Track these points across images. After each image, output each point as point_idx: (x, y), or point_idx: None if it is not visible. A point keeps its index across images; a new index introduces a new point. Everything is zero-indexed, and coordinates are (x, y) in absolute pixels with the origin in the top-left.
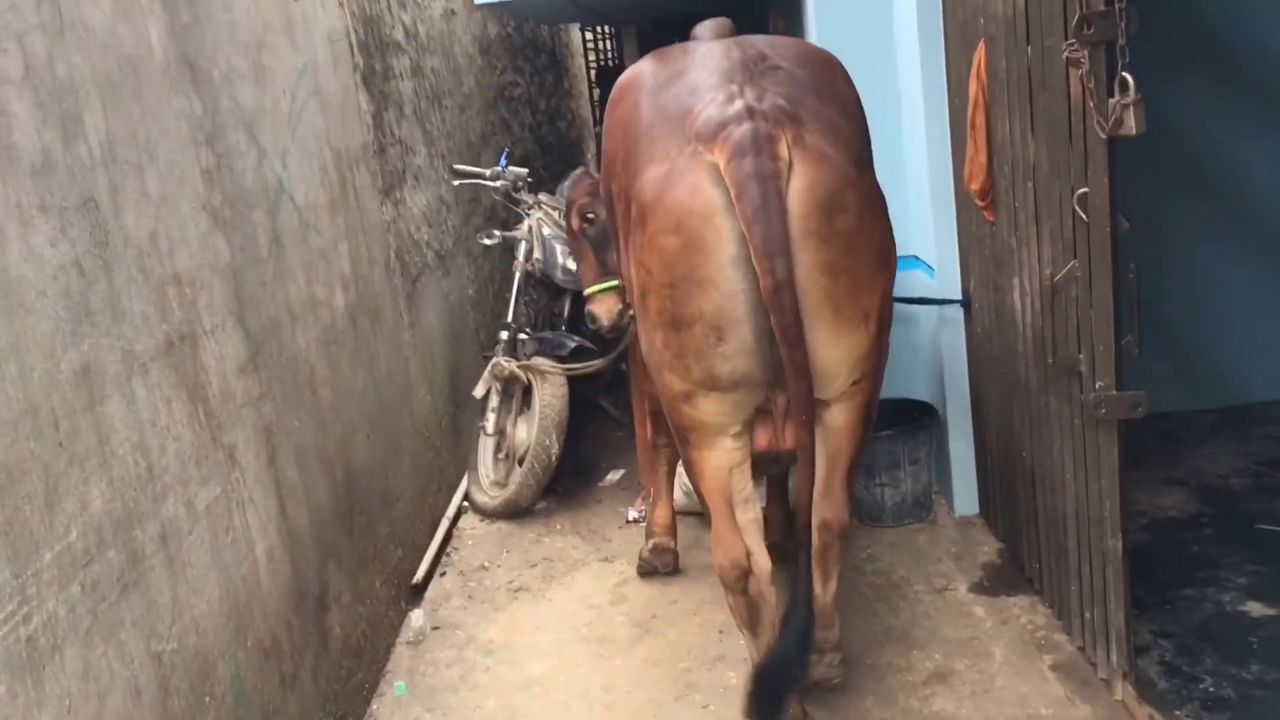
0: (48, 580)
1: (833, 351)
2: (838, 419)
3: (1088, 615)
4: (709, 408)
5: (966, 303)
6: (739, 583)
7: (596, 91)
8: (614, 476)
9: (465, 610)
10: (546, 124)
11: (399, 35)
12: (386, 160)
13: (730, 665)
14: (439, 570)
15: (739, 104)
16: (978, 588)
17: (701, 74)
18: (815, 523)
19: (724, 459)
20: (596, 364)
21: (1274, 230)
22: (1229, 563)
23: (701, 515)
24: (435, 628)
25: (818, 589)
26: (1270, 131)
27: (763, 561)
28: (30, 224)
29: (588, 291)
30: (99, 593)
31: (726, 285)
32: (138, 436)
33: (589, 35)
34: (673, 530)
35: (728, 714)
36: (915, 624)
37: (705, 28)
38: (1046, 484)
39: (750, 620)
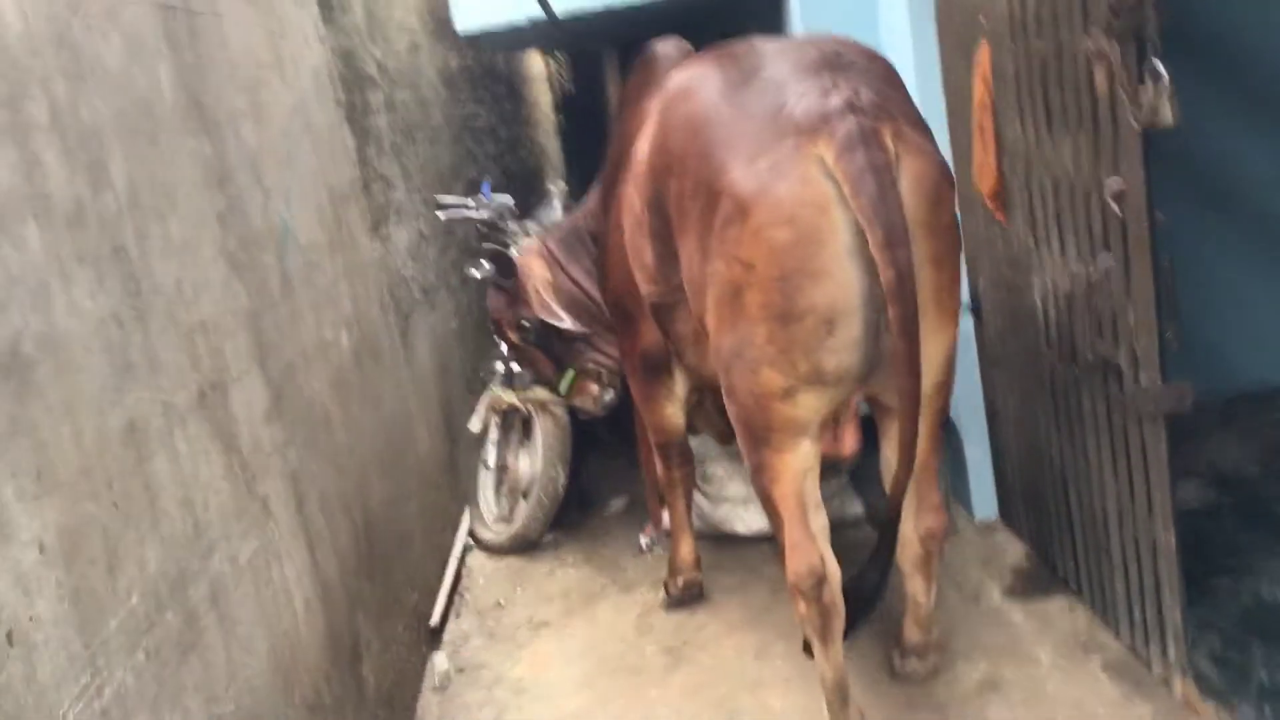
0: (115, 648)
1: (930, 348)
2: (924, 423)
3: (1137, 613)
4: (808, 403)
5: (976, 306)
6: (815, 590)
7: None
8: (619, 504)
9: (487, 650)
10: (509, 153)
11: (372, 70)
12: (372, 196)
13: (771, 688)
14: (454, 611)
15: (837, 98)
16: (1011, 592)
17: (782, 69)
18: (919, 534)
19: (802, 462)
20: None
21: (1265, 218)
22: (1258, 551)
23: (715, 537)
24: (460, 670)
25: (921, 597)
26: (1260, 123)
27: (835, 568)
28: (70, 276)
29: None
30: (161, 658)
31: (842, 276)
32: (183, 493)
33: (551, 62)
34: (698, 564)
35: None
36: (954, 633)
37: (668, 46)
38: (1081, 483)
39: (823, 630)
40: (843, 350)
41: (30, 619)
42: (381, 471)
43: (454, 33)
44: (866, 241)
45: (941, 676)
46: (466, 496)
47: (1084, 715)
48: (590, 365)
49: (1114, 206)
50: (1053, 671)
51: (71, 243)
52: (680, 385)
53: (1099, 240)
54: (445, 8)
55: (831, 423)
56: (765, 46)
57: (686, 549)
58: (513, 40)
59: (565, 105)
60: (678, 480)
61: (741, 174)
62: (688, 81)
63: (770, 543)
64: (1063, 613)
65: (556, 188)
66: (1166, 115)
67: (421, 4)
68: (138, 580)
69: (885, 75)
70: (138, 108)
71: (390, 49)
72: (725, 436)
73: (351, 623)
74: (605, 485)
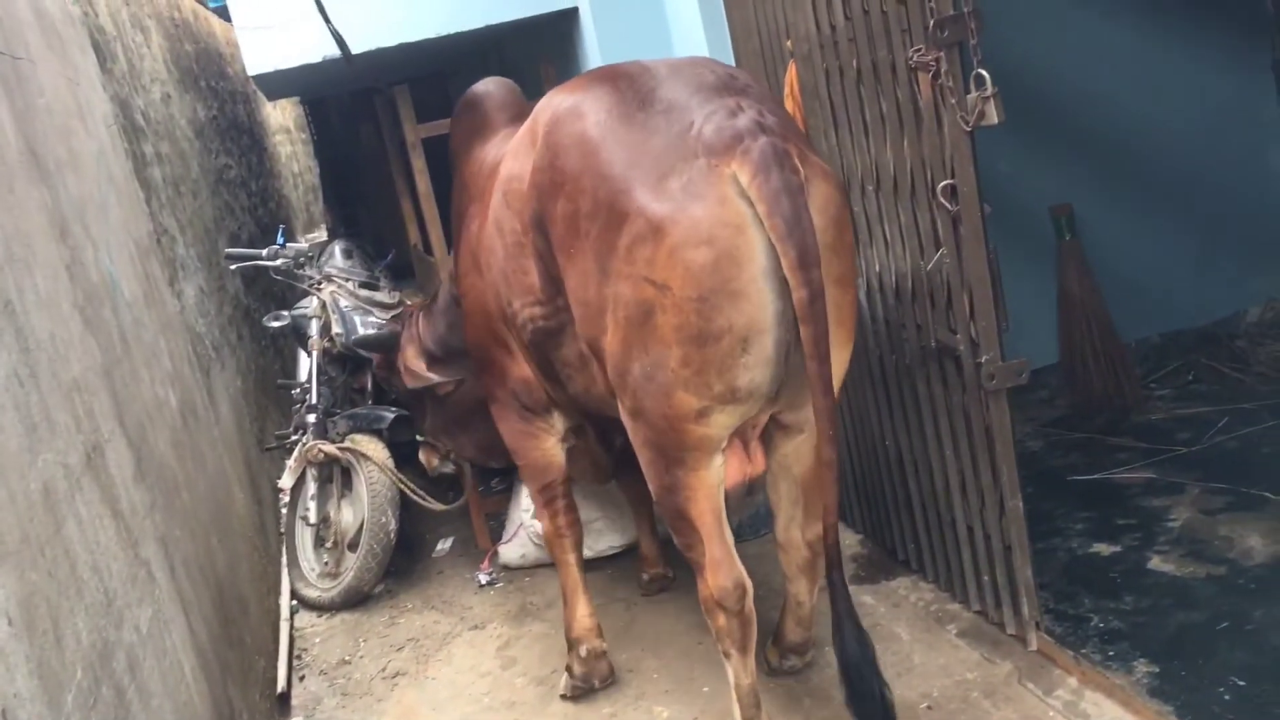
0: None
1: (834, 368)
2: (810, 440)
3: (986, 579)
4: (721, 422)
5: None
6: (739, 603)
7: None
8: (445, 545)
9: (345, 709)
10: (260, 206)
11: (141, 120)
12: (163, 250)
13: (654, 699)
14: (296, 675)
15: (745, 118)
16: (856, 579)
17: (679, 90)
18: (808, 539)
19: (715, 477)
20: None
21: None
22: (1060, 514)
23: (552, 566)
24: None
25: (804, 597)
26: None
27: (747, 578)
28: None
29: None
30: None
31: (758, 297)
32: (91, 559)
33: (304, 109)
34: (599, 631)
35: None
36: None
37: (495, 84)
38: (921, 466)
39: (744, 640)
40: (755, 369)
41: (14, 695)
42: (219, 535)
43: (198, 83)
44: (778, 262)
45: (812, 663)
46: (286, 556)
47: (953, 680)
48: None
49: (944, 202)
50: (914, 645)
51: None
52: (559, 420)
53: (928, 235)
54: (189, 57)
55: (740, 445)
56: (655, 67)
57: (584, 613)
58: (301, 81)
59: (327, 150)
60: (565, 531)
61: (651, 194)
62: (577, 102)
63: (614, 561)
64: (910, 590)
65: (340, 239)
66: (993, 115)
67: (167, 54)
68: (77, 652)
69: (776, 99)
70: None
71: (149, 99)
72: (602, 476)
73: (226, 691)
74: (425, 529)
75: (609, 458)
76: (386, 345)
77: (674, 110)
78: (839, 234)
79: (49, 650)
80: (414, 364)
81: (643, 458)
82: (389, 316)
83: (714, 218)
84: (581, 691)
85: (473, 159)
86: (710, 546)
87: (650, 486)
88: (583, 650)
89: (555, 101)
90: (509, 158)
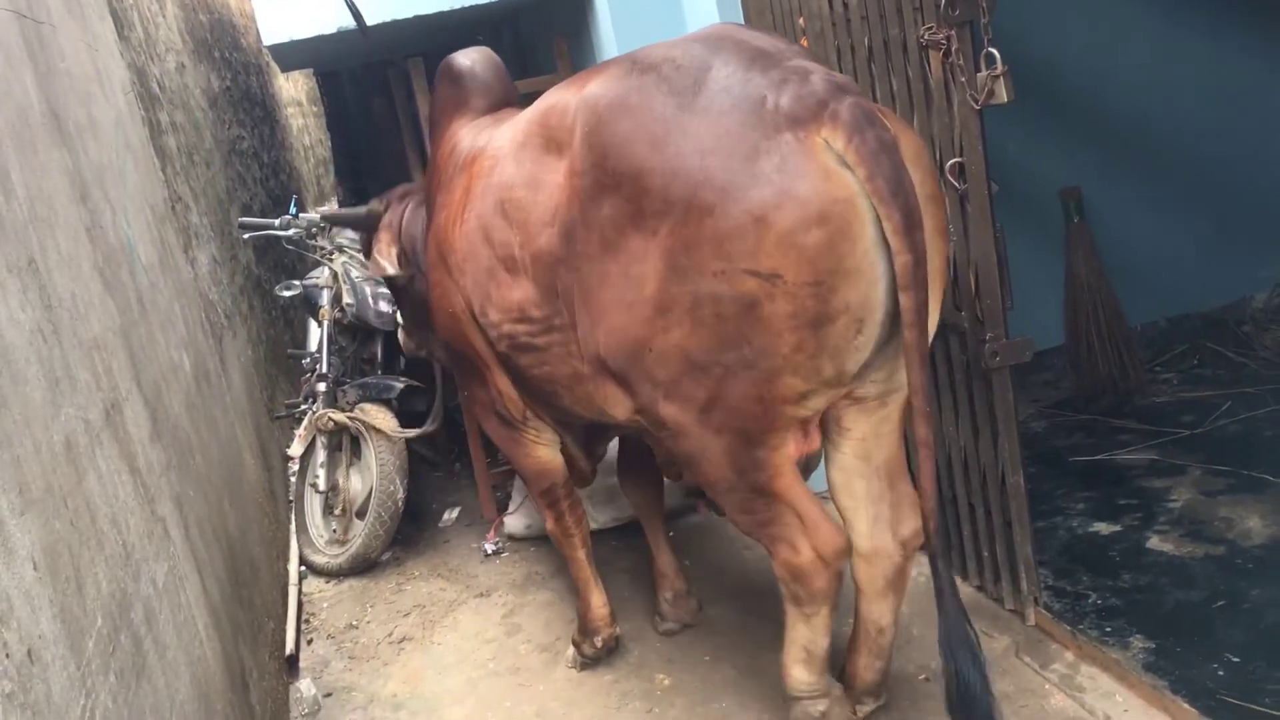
0: (96, 669)
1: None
2: (893, 418)
3: (985, 554)
4: (815, 404)
5: None
6: (844, 558)
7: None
8: (451, 515)
9: (352, 672)
10: (272, 177)
11: (156, 88)
12: (177, 217)
13: (657, 667)
14: (304, 638)
15: (819, 80)
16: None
17: (732, 65)
18: (899, 539)
19: (795, 449)
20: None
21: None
22: (1061, 494)
23: (547, 540)
24: (327, 694)
25: (887, 621)
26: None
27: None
28: (5, 286)
29: None
30: (125, 680)
31: (871, 271)
32: (110, 512)
33: (317, 81)
34: (613, 618)
35: (671, 714)
36: None
37: (480, 61)
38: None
39: (836, 597)
40: (865, 348)
41: (39, 637)
42: (231, 498)
43: (212, 54)
44: (883, 228)
45: None
46: (295, 523)
47: None
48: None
49: (952, 180)
50: (915, 619)
51: (1, 252)
52: (547, 431)
53: None
54: (203, 28)
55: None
56: (688, 46)
57: (598, 602)
58: (316, 53)
59: (339, 123)
60: (572, 529)
61: (741, 181)
62: (621, 96)
63: (616, 534)
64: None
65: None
66: (1003, 94)
67: (181, 23)
68: (97, 600)
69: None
70: (20, 116)
71: (165, 68)
72: (582, 481)
73: (238, 650)
74: (433, 498)
75: (590, 463)
76: (364, 225)
77: (735, 86)
78: (935, 184)
79: (71, 597)
80: (384, 253)
81: (712, 446)
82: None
83: (822, 194)
84: (588, 667)
85: (446, 139)
86: (805, 509)
87: (714, 473)
88: (598, 640)
89: (591, 99)
90: (508, 162)
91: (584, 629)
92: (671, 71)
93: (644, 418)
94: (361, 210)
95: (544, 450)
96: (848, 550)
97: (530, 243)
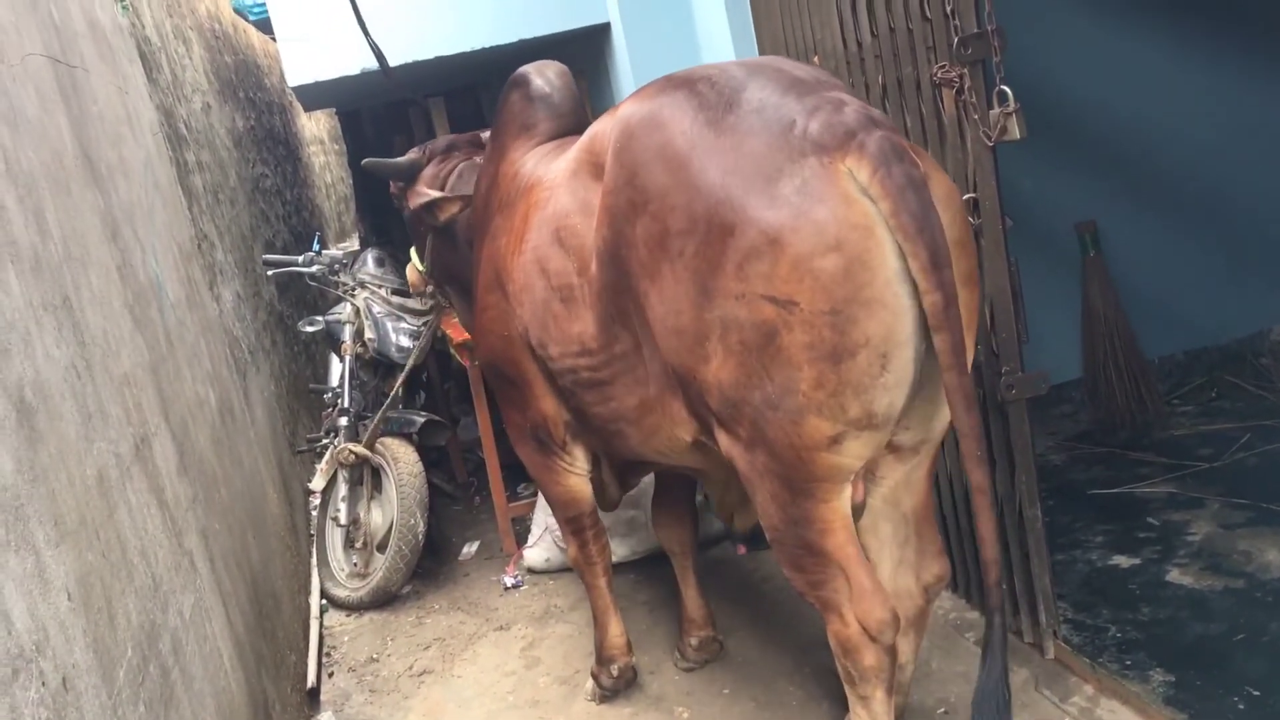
0: (126, 699)
1: None
2: (925, 465)
3: (1004, 587)
4: (855, 450)
5: None
6: (894, 635)
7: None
8: (471, 549)
9: (373, 705)
10: (294, 215)
11: (184, 129)
12: (203, 255)
13: (676, 700)
14: (325, 671)
15: (853, 112)
16: None
17: (769, 89)
18: (923, 583)
19: (848, 506)
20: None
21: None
22: (1080, 527)
23: (570, 570)
24: None
25: (907, 658)
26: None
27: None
28: (42, 324)
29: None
30: (154, 711)
31: (895, 303)
32: (139, 544)
33: (339, 120)
34: (630, 648)
35: None
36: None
37: (556, 78)
38: (940, 475)
39: (890, 678)
40: (895, 388)
41: (73, 666)
42: (255, 532)
43: (236, 94)
44: (908, 264)
45: (829, 669)
46: (316, 556)
47: (970, 686)
48: None
49: (967, 216)
50: (933, 652)
51: (38, 290)
52: (581, 457)
53: None
54: (228, 68)
55: None
56: (729, 68)
57: (616, 632)
58: (339, 92)
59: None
60: (595, 558)
61: (761, 202)
62: (652, 111)
63: (635, 567)
64: None
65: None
66: (1015, 131)
67: (207, 64)
68: (128, 631)
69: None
70: (55, 158)
71: (191, 108)
72: (608, 505)
73: (261, 682)
74: (451, 531)
75: (621, 491)
76: (404, 174)
77: (767, 109)
78: (965, 229)
79: (103, 627)
80: (426, 186)
81: (762, 489)
82: (419, 322)
83: (840, 219)
84: (607, 699)
85: (510, 157)
86: (856, 575)
87: (769, 520)
88: (614, 669)
89: (624, 116)
90: (562, 191)
91: (601, 658)
92: (706, 89)
93: (708, 440)
94: (403, 161)
95: (575, 480)
96: (894, 624)
97: (586, 269)
